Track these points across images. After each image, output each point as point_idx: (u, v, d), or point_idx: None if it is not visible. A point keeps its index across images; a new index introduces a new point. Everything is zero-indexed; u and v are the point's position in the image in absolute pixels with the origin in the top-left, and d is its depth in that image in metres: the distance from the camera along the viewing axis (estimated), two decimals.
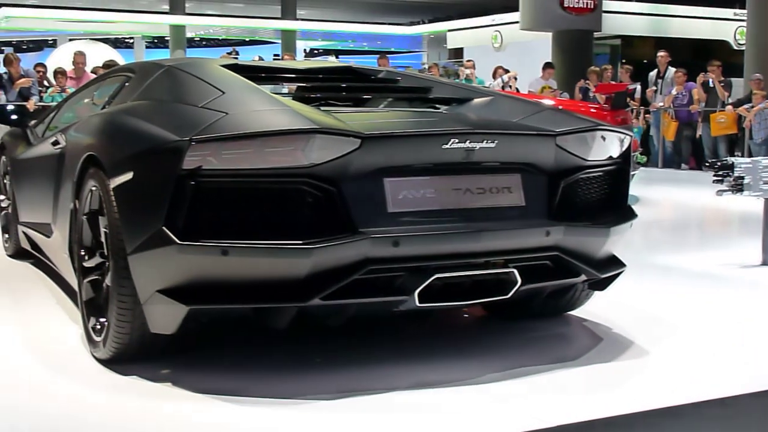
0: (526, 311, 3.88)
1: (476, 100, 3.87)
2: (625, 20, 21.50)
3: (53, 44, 32.48)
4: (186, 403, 2.95)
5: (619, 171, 3.65)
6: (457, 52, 26.68)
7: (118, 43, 34.01)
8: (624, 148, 3.65)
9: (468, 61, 15.08)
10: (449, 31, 27.01)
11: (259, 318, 3.10)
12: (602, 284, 3.69)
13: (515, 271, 3.19)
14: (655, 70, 14.50)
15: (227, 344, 3.64)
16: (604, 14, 17.69)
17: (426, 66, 18.80)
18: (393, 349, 3.57)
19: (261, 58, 15.27)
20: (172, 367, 3.28)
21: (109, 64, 11.78)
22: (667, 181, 11.87)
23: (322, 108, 3.50)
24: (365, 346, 3.59)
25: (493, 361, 3.40)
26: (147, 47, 33.83)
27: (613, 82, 13.43)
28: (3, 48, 27.94)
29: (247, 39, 34.19)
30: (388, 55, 18.27)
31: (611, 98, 9.81)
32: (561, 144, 3.39)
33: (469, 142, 3.13)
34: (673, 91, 13.83)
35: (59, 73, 12.37)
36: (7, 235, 5.86)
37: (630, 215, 3.67)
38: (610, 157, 3.59)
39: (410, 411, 2.89)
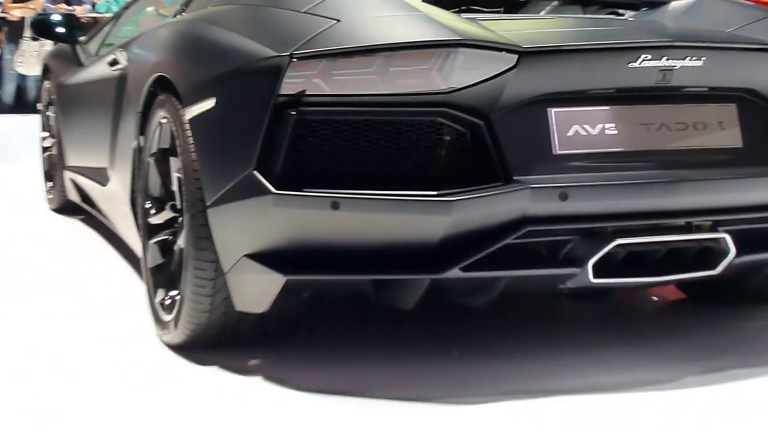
0: (741, 294, 3.83)
1: (674, 3, 3.79)
2: None
3: None
4: (279, 404, 2.99)
5: None
6: None
7: None
8: None
9: None
10: None
11: (378, 294, 3.11)
12: None
13: (727, 238, 3.12)
14: None
15: (334, 330, 3.68)
16: None
17: None
18: (553, 341, 3.56)
19: None
20: (262, 357, 3.34)
21: None
22: None
23: (465, 14, 3.47)
24: (516, 335, 3.60)
25: (692, 361, 3.35)
26: None
27: None
28: None
29: None
30: None
31: None
32: None
33: (666, 59, 3.06)
34: None
35: None
36: (51, 184, 6.03)
37: None
38: None
39: (577, 419, 2.87)
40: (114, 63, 4.41)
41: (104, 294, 4.21)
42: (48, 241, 5.30)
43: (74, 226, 5.59)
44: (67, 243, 5.23)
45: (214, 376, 3.21)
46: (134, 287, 4.13)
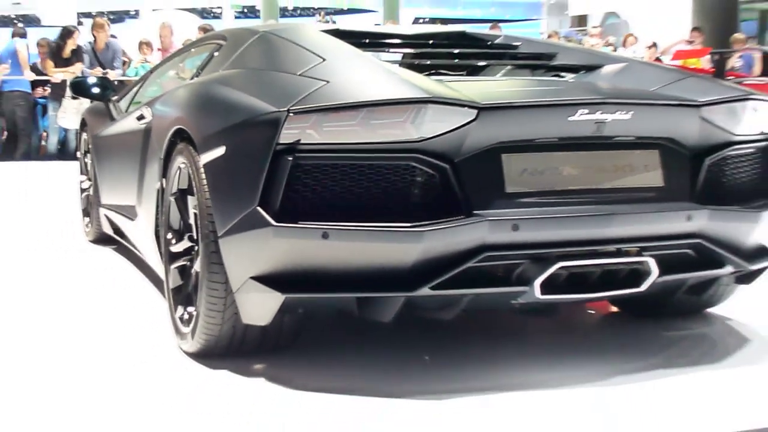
0: (662, 307, 3.83)
1: (607, 67, 3.82)
2: None
3: (135, 15, 33.26)
4: (281, 402, 2.99)
5: None
6: (581, 20, 26.33)
7: (204, 13, 34.59)
8: None
9: (594, 27, 14.87)
10: None
11: (361, 309, 3.11)
12: (749, 277, 3.59)
13: (651, 261, 3.13)
14: None
15: (326, 339, 3.69)
16: None
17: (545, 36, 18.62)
18: (510, 347, 3.57)
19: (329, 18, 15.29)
20: (266, 363, 3.33)
21: (206, 28, 12.09)
22: None
23: (434, 77, 3.48)
24: (476, 343, 3.60)
25: (622, 363, 3.36)
26: (236, 17, 34.29)
27: (698, 48, 13.12)
28: (82, 20, 28.72)
29: (346, 8, 34.36)
30: (501, 24, 18.16)
31: None
32: (706, 116, 3.31)
33: (600, 113, 3.08)
34: None
35: (144, 44, 12.69)
36: (88, 219, 6.03)
37: None
38: (763, 132, 3.48)
39: (523, 415, 2.87)
40: (141, 118, 4.42)
41: (133, 309, 4.20)
42: (86, 267, 5.29)
43: (108, 254, 5.58)
44: (102, 269, 5.22)
45: (225, 377, 3.21)
46: (158, 304, 4.12)
